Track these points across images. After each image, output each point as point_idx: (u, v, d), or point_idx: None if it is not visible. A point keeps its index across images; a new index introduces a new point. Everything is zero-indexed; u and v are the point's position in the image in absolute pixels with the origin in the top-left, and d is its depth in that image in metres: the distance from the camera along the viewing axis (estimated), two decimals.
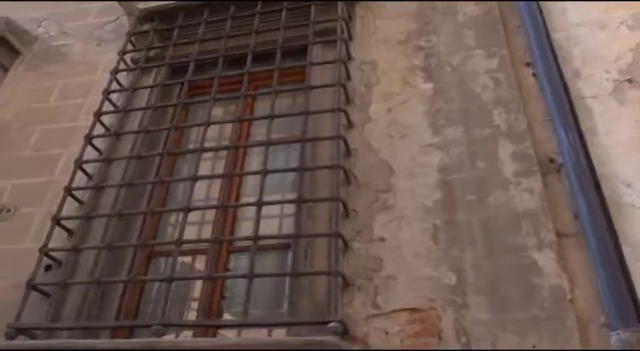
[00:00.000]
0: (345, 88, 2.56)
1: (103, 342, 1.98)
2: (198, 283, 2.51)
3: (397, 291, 1.95)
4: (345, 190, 2.25)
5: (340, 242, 2.04)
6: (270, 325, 1.95)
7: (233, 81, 2.92)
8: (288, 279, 2.18)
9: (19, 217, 2.67)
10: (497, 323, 1.78)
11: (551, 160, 2.15)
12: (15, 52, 3.57)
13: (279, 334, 2.06)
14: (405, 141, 2.39)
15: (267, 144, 2.38)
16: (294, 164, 2.51)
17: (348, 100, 2.59)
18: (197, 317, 2.25)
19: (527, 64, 2.50)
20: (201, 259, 2.61)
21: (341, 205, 2.14)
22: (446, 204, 2.13)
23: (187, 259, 2.63)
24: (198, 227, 2.67)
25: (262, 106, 2.99)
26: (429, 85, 2.56)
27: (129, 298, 2.29)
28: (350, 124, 2.51)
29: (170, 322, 2.03)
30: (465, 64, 2.57)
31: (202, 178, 2.44)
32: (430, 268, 1.98)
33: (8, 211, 2.71)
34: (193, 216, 2.42)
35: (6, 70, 3.50)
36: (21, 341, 2.09)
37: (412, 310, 1.89)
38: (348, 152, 2.39)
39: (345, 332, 1.82)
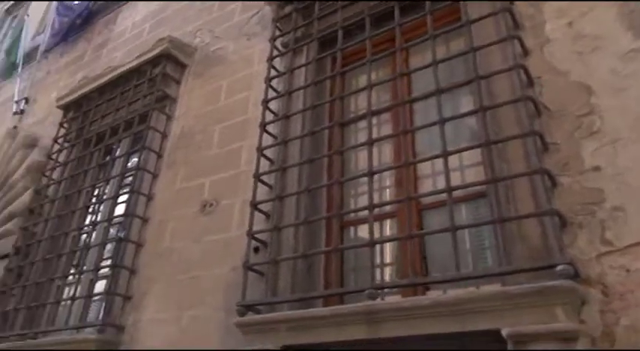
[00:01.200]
0: (511, 12, 2.29)
1: (329, 309, 2.07)
2: (388, 248, 2.52)
3: (630, 223, 1.69)
4: (538, 123, 2.03)
5: (547, 179, 1.83)
6: (492, 276, 1.81)
7: (383, 41, 2.84)
8: (491, 228, 2.05)
9: (221, 208, 2.94)
10: None
11: None
12: (181, 65, 3.94)
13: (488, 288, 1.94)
14: (599, 53, 2.06)
15: (439, 92, 2.24)
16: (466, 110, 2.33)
17: (516, 26, 2.32)
18: (401, 279, 2.25)
19: None
20: (387, 223, 2.60)
21: (538, 139, 1.93)
22: None
23: (375, 224, 2.64)
24: (377, 194, 2.66)
25: (415, 61, 2.85)
26: None
27: (333, 267, 2.37)
28: (525, 52, 2.24)
29: (383, 285, 2.05)
30: None
31: (379, 140, 2.40)
32: None
33: (211, 205, 3.01)
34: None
35: (178, 82, 3.88)
36: (253, 316, 2.30)
37: None
38: (530, 82, 2.14)
39: (576, 275, 1.64)
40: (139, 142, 3.66)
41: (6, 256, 3.99)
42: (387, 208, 2.52)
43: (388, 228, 2.57)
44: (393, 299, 2.08)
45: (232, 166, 3.04)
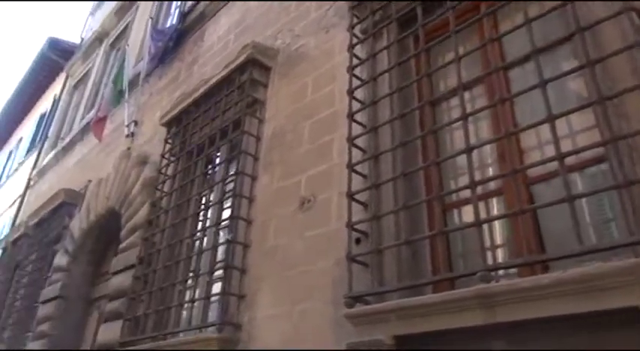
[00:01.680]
0: None
1: (439, 295, 1.97)
2: (497, 228, 2.36)
3: None
4: None
5: None
6: (624, 246, 1.58)
7: (466, 11, 2.68)
8: (614, 196, 1.82)
9: (319, 203, 2.95)
10: None
11: None
12: (266, 69, 4.03)
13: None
14: None
15: (536, 52, 2.04)
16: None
17: None
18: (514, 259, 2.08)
19: None
20: (493, 202, 2.43)
21: None
22: None
23: (481, 204, 2.48)
24: (480, 173, 2.49)
25: (505, 27, 2.64)
26: None
27: (439, 252, 2.26)
28: None
29: (497, 265, 1.91)
30: None
31: (474, 113, 2.26)
32: None
33: (309, 201, 3.04)
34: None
35: (265, 86, 3.97)
36: (362, 307, 2.27)
37: None
38: None
39: None
40: (235, 147, 3.81)
41: (132, 266, 4.36)
42: (492, 185, 2.36)
43: (495, 208, 2.40)
44: (509, 281, 1.92)
45: (325, 159, 3.04)
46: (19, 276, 7.59)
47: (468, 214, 2.43)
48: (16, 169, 13.11)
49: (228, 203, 3.65)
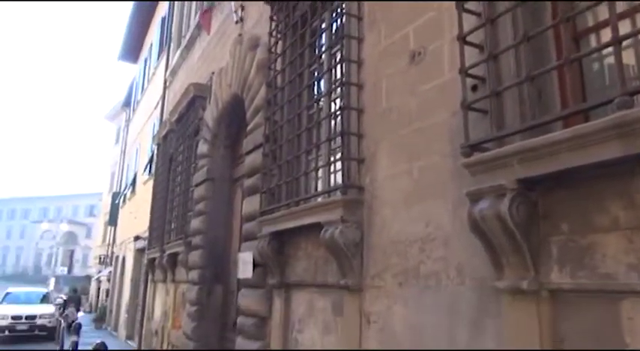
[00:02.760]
0: None
1: (570, 130, 1.74)
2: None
3: None
4: None
5: None
6: None
7: None
8: None
9: (429, 55, 2.74)
10: None
11: None
12: None
13: None
14: None
15: None
16: None
17: None
18: None
19: None
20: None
21: None
22: None
23: (623, 23, 2.07)
24: None
25: None
26: None
27: (569, 87, 1.98)
28: None
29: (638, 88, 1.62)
30: None
31: None
32: None
33: (419, 54, 2.83)
34: None
35: None
36: (481, 154, 2.15)
37: None
38: None
39: None
40: (337, 12, 3.62)
41: (260, 144, 4.64)
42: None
43: None
44: None
45: (432, 5, 2.74)
46: (174, 165, 8.65)
47: (607, 36, 2.06)
48: (154, 73, 14.32)
49: (338, 71, 3.58)
